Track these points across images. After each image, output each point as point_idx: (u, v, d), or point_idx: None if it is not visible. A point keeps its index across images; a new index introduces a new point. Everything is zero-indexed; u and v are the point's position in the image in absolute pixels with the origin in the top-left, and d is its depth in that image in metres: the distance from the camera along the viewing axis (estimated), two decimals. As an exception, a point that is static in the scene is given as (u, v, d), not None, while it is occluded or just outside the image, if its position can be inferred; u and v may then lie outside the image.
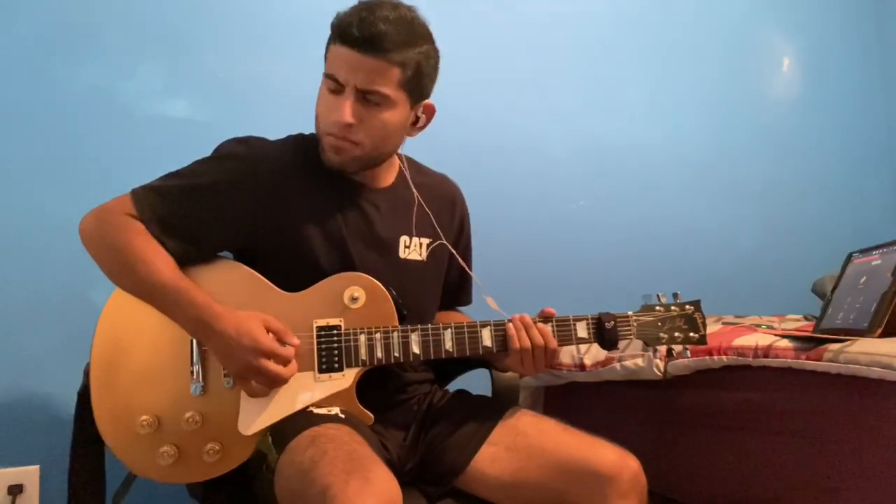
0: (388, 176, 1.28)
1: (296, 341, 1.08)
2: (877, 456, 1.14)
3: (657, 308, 1.28)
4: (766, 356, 1.27)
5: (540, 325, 1.18)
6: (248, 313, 1.06)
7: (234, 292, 1.11)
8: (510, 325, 1.18)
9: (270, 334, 1.06)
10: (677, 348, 1.28)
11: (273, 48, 1.81)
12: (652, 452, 1.20)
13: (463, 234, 1.39)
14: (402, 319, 1.16)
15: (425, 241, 1.29)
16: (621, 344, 1.32)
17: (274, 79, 1.79)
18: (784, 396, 1.28)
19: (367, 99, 1.12)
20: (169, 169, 1.16)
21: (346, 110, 1.10)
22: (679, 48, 2.35)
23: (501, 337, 1.18)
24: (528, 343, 1.16)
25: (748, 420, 1.35)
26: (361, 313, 1.14)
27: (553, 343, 1.17)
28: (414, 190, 1.30)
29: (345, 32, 1.10)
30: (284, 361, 1.05)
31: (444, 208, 1.34)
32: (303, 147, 1.22)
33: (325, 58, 1.16)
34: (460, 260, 1.35)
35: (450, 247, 1.32)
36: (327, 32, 1.17)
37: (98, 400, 1.07)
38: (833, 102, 2.59)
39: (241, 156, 1.15)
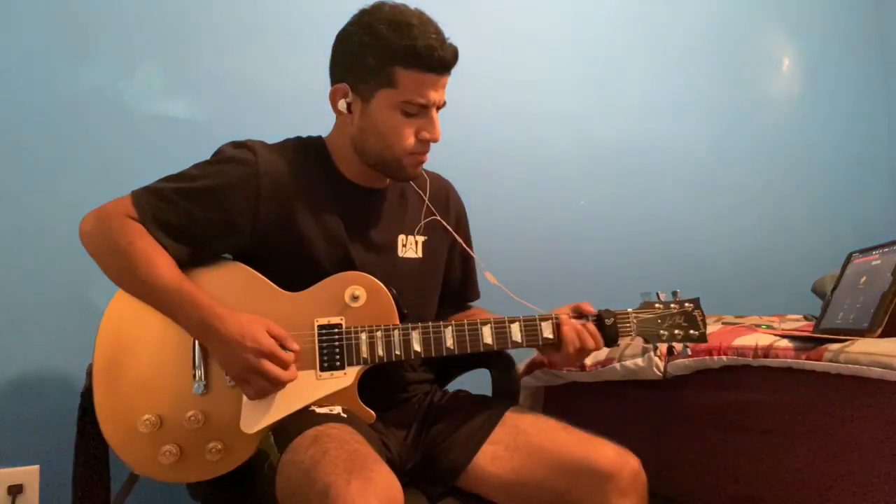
0: (384, 177, 1.29)
1: (296, 346, 1.07)
2: (877, 455, 1.14)
3: (657, 305, 1.28)
4: (766, 356, 1.27)
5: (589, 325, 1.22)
6: (251, 317, 1.06)
7: (235, 293, 1.11)
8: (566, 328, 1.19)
9: (272, 339, 1.06)
10: (678, 346, 1.27)
11: (273, 48, 1.81)
12: (652, 452, 1.19)
13: (461, 229, 1.39)
14: (402, 318, 1.16)
15: (421, 238, 1.30)
16: (622, 342, 1.32)
17: (274, 79, 1.80)
18: (784, 396, 1.28)
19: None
20: (168, 169, 1.16)
21: (439, 128, 1.18)
22: (679, 48, 2.36)
23: (502, 334, 1.19)
24: (583, 343, 1.19)
25: (748, 420, 1.35)
26: (362, 312, 1.14)
27: (600, 343, 1.20)
28: (417, 190, 1.32)
29: (428, 59, 1.12)
30: (284, 364, 1.05)
31: (439, 206, 1.35)
32: (302, 149, 1.23)
33: (391, 83, 1.13)
34: (460, 240, 1.35)
35: (451, 230, 1.33)
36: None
37: (100, 399, 1.07)
38: (833, 103, 2.60)
39: (240, 159, 1.15)
